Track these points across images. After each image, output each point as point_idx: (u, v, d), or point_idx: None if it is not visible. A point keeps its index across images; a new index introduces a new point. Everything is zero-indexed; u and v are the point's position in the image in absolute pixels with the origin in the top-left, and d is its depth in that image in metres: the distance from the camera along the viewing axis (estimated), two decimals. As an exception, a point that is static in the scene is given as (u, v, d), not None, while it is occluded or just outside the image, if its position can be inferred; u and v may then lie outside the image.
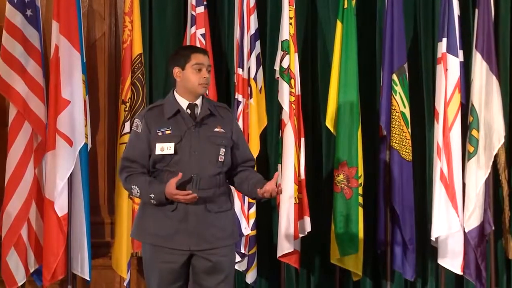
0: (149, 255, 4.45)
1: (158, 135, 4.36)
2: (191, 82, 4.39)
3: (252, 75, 6.07)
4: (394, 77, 6.11)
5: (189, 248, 4.34)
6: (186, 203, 4.28)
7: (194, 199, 4.24)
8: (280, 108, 6.14)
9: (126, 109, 5.99)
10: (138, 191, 4.34)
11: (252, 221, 6.06)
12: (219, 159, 4.39)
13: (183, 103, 4.42)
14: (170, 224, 4.34)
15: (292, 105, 6.05)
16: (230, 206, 4.49)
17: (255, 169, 5.83)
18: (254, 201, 6.05)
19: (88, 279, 5.98)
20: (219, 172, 4.40)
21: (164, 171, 4.35)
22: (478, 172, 6.12)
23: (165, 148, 4.33)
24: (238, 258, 6.00)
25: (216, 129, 4.41)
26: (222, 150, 4.40)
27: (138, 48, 6.04)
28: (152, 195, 4.29)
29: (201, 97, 4.46)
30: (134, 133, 4.44)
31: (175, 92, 4.46)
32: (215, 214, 4.38)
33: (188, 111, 4.41)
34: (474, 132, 6.13)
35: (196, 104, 4.43)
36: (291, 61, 6.06)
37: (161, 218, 4.35)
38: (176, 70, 4.44)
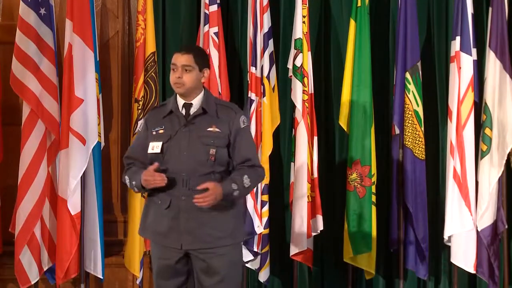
0: (152, 250, 4.56)
1: (153, 134, 4.44)
2: (171, 82, 4.46)
3: (265, 73, 6.07)
4: (407, 75, 6.10)
5: (181, 246, 4.38)
6: (178, 202, 4.36)
7: (163, 182, 4.27)
8: (293, 107, 6.13)
9: (139, 107, 5.99)
10: (128, 180, 4.46)
11: (265, 219, 6.06)
12: (210, 159, 4.37)
13: (180, 102, 4.47)
14: (165, 222, 4.39)
15: (305, 103, 6.05)
16: (230, 205, 4.44)
17: (268, 167, 5.91)
18: (267, 200, 6.06)
19: (101, 277, 5.99)
20: (211, 171, 4.39)
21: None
22: (491, 171, 6.11)
23: (154, 147, 4.40)
24: (250, 257, 6.02)
25: (209, 129, 4.41)
26: (213, 150, 4.37)
27: (151, 47, 6.05)
28: (133, 183, 4.39)
29: (201, 96, 4.47)
30: (138, 132, 4.60)
31: None
32: (209, 214, 4.36)
33: (184, 110, 4.44)
34: (487, 131, 6.11)
35: (191, 104, 4.45)
36: (304, 59, 6.06)
37: (159, 215, 4.42)
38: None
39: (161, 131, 4.41)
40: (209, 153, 4.36)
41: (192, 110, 4.44)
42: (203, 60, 4.51)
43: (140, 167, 4.44)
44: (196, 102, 4.45)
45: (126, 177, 4.48)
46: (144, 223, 4.53)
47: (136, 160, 4.48)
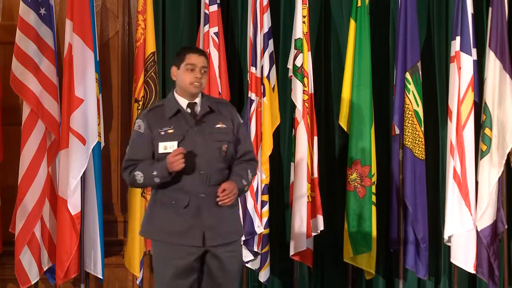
0: (160, 252, 4.49)
1: (161, 134, 4.41)
2: (184, 82, 4.45)
3: (265, 73, 6.07)
4: (407, 75, 6.10)
5: (203, 243, 4.39)
6: (196, 198, 4.37)
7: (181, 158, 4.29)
8: (293, 107, 6.14)
9: (139, 107, 5.99)
10: (142, 175, 4.40)
11: (265, 219, 6.06)
12: (223, 154, 4.45)
13: (183, 102, 4.47)
14: (183, 221, 4.38)
15: (305, 103, 6.05)
16: (236, 201, 4.54)
17: (268, 167, 5.92)
18: (267, 200, 6.06)
19: (101, 277, 5.99)
20: (224, 167, 4.47)
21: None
22: (491, 171, 6.11)
23: (168, 147, 4.38)
24: (251, 257, 6.03)
25: (217, 125, 4.47)
26: (225, 146, 4.46)
27: (151, 47, 6.05)
28: (154, 173, 4.35)
29: (200, 95, 4.51)
30: (136, 133, 4.50)
31: (174, 92, 4.52)
32: (224, 210, 4.44)
33: (188, 110, 4.46)
34: (487, 131, 6.11)
35: (195, 103, 4.48)
36: (304, 59, 6.06)
37: (172, 215, 4.40)
38: (173, 70, 4.53)
39: (170, 131, 4.41)
40: (222, 149, 4.45)
41: (198, 109, 4.48)
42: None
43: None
44: (199, 101, 4.49)
45: (138, 173, 4.40)
46: (150, 225, 4.49)
47: (139, 162, 4.44)
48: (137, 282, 6.12)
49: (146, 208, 4.64)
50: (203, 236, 4.39)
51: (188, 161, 4.33)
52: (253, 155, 4.64)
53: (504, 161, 6.10)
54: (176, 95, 4.50)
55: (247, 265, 6.07)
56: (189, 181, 4.37)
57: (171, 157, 4.29)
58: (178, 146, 4.37)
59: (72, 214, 5.82)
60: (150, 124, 4.45)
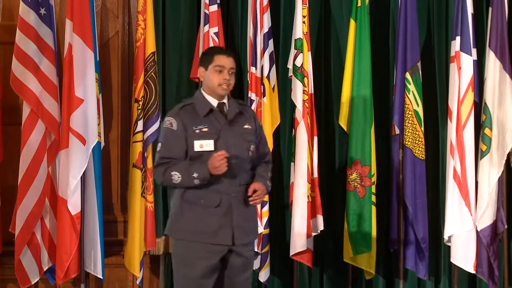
0: (186, 251, 4.50)
1: (195, 132, 4.45)
2: (212, 82, 4.48)
3: (265, 73, 6.07)
4: (407, 75, 6.10)
5: (232, 242, 4.46)
6: (228, 197, 4.45)
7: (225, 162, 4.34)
8: (293, 107, 6.14)
9: (139, 107, 5.99)
10: (179, 176, 4.41)
11: (265, 219, 6.06)
12: (250, 155, 4.54)
13: (213, 102, 4.52)
14: (214, 220, 4.44)
15: (305, 103, 6.05)
16: None
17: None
18: (267, 200, 6.07)
19: (101, 277, 5.99)
20: (250, 167, 4.57)
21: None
22: (491, 171, 6.11)
23: (204, 145, 4.43)
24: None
25: (245, 126, 4.56)
26: (252, 147, 4.56)
27: (151, 47, 6.04)
28: (195, 175, 4.37)
29: (226, 96, 4.56)
30: (168, 131, 4.49)
31: (203, 91, 4.55)
32: (249, 209, 4.54)
33: (218, 109, 4.51)
34: (487, 131, 6.11)
35: (224, 103, 4.54)
36: (304, 59, 6.06)
37: (203, 215, 4.45)
38: (201, 70, 4.56)
39: (204, 129, 4.45)
40: (250, 150, 4.54)
41: (227, 109, 4.53)
42: None
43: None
44: (226, 101, 4.55)
45: (176, 173, 4.41)
46: (180, 224, 4.51)
47: (174, 160, 4.45)
48: (137, 282, 6.12)
49: (171, 207, 4.61)
50: (232, 235, 4.45)
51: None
52: (270, 156, 4.74)
53: (504, 161, 6.10)
54: (205, 94, 4.54)
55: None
56: (221, 181, 4.43)
57: (217, 161, 4.32)
58: (215, 144, 4.43)
59: (72, 214, 5.82)
60: (184, 122, 4.46)
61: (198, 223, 4.44)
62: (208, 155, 4.38)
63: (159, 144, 4.52)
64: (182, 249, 4.52)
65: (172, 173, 4.41)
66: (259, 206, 5.96)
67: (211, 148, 4.41)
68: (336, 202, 6.40)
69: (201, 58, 4.61)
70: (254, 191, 4.46)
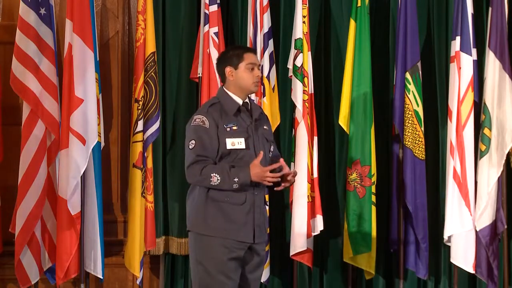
0: (210, 248, 4.47)
1: (227, 130, 4.46)
2: (245, 81, 4.50)
3: (265, 73, 6.07)
4: (407, 75, 6.11)
5: (253, 240, 4.48)
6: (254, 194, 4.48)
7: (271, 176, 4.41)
8: (293, 107, 6.14)
9: (139, 107, 5.99)
10: (219, 178, 4.39)
11: (265, 219, 6.06)
12: (269, 155, 4.61)
13: (239, 101, 4.54)
14: (239, 217, 4.46)
15: (305, 103, 6.05)
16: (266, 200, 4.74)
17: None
18: (267, 200, 6.04)
19: (101, 277, 5.99)
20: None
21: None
22: (490, 171, 6.11)
23: (236, 143, 4.45)
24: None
25: (265, 127, 4.61)
26: (272, 147, 4.64)
27: (151, 47, 6.05)
28: (236, 179, 4.38)
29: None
30: (201, 129, 4.45)
31: (226, 90, 4.55)
32: (266, 208, 4.63)
33: (245, 108, 4.55)
34: (486, 131, 6.11)
35: (247, 102, 4.57)
36: (304, 59, 6.06)
37: (229, 211, 4.45)
38: (228, 70, 4.53)
39: (234, 128, 4.47)
40: (270, 150, 4.62)
41: (251, 109, 4.57)
42: None
43: (214, 163, 4.46)
44: (248, 101, 4.59)
45: (215, 175, 4.40)
46: (207, 220, 4.47)
47: (209, 159, 4.45)
48: (137, 282, 6.12)
49: (191, 205, 4.56)
50: (254, 233, 4.48)
51: (251, 160, 4.42)
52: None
53: (503, 161, 6.10)
54: (229, 93, 4.53)
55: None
56: None
57: (265, 172, 4.37)
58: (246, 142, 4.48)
59: (72, 214, 5.81)
60: (216, 120, 4.47)
61: (227, 220, 4.44)
62: (235, 154, 4.44)
63: (192, 142, 4.45)
64: (205, 244, 4.48)
65: (212, 174, 4.40)
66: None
67: (243, 146, 4.45)
68: (336, 202, 6.40)
69: (226, 58, 4.55)
70: (292, 175, 4.51)
